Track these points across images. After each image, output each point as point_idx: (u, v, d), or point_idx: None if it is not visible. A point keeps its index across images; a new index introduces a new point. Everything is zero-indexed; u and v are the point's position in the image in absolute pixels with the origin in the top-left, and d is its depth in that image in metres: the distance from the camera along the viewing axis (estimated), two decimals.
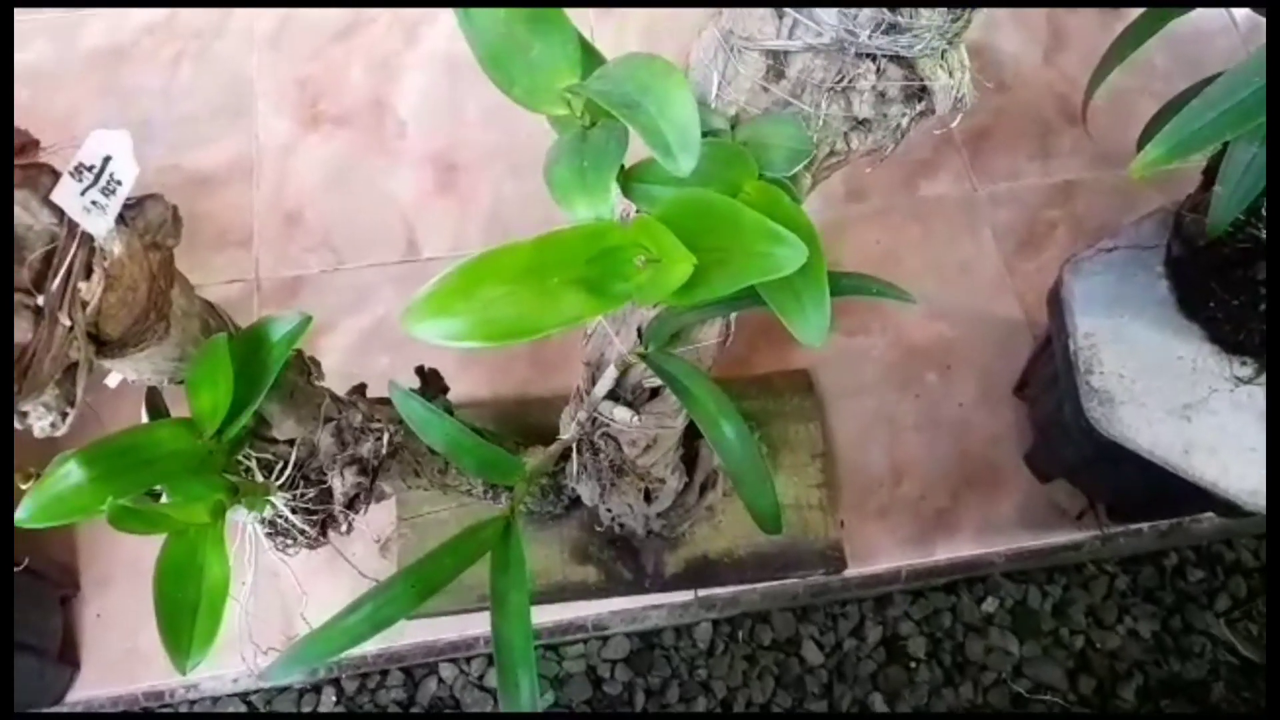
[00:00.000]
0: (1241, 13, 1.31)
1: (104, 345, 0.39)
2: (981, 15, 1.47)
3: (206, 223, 1.18)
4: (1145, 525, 1.06)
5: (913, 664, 1.05)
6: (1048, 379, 0.98)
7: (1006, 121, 1.26)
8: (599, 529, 0.93)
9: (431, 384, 0.77)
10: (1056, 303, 0.93)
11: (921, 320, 1.15)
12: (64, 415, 0.36)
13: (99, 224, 0.36)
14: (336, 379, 1.09)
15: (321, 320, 1.13)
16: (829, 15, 0.44)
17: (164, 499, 0.48)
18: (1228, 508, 0.86)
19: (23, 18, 1.29)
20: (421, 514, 0.98)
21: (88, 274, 0.36)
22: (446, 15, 1.30)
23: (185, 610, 0.45)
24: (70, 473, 0.42)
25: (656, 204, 0.41)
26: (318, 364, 0.61)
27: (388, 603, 0.47)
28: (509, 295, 0.38)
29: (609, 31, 1.30)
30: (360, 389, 0.73)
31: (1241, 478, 0.84)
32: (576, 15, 1.32)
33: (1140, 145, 0.80)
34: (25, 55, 1.27)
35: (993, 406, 1.10)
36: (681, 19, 1.30)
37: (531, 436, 0.91)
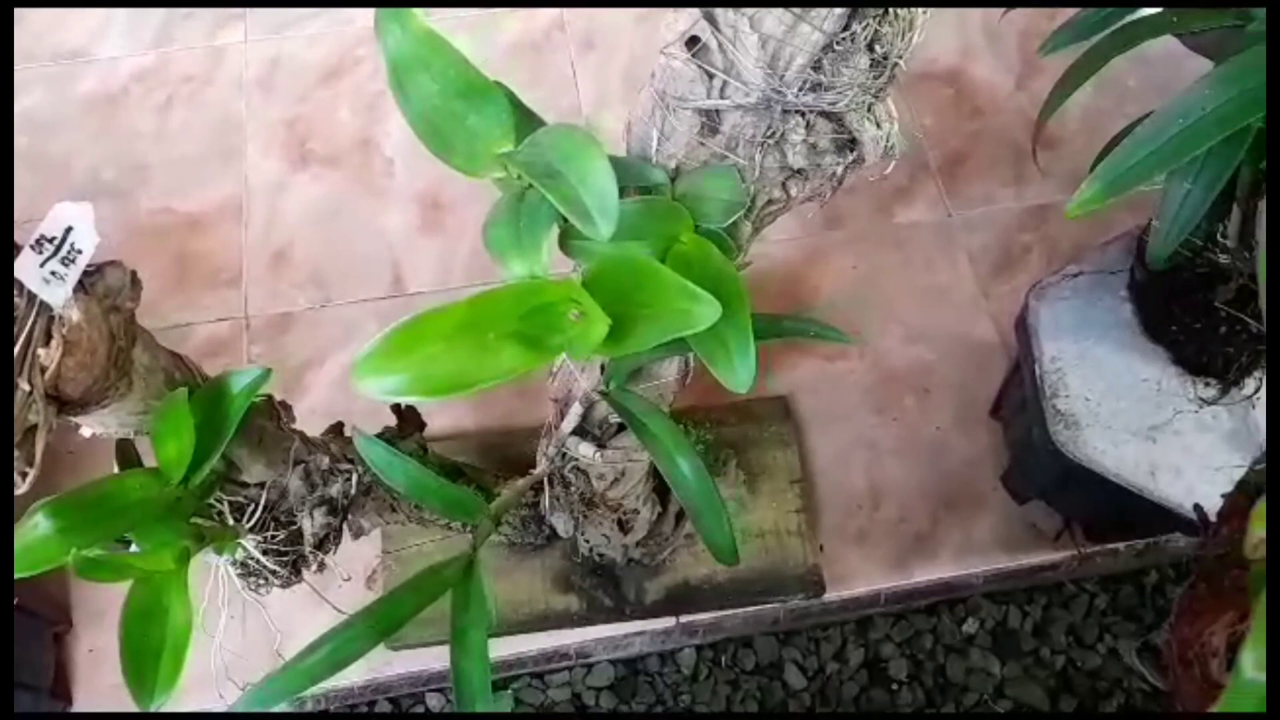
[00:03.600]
0: None
1: (65, 405, 0.41)
2: (955, 42, 1.50)
3: (197, 262, 1.21)
4: (1121, 545, 1.07)
5: (895, 686, 1.06)
6: (1018, 403, 1.00)
7: (981, 147, 1.28)
8: (578, 560, 0.94)
9: (408, 421, 0.80)
10: (1024, 328, 0.95)
11: (899, 345, 1.16)
12: (24, 475, 0.38)
13: (57, 294, 0.38)
14: (322, 415, 1.11)
15: (309, 356, 1.16)
16: (756, 76, 0.46)
17: (134, 546, 0.50)
18: (1191, 528, 0.87)
19: (19, 68, 1.33)
20: (406, 546, 0.99)
21: (47, 340, 0.38)
22: None
23: (149, 653, 0.47)
24: (38, 524, 0.44)
25: (591, 259, 0.44)
26: (288, 408, 0.63)
27: (347, 642, 0.49)
28: (447, 351, 0.40)
29: (590, 70, 1.33)
30: (337, 428, 0.75)
31: (1206, 498, 0.85)
32: (559, 54, 1.34)
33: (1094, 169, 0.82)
34: (23, 102, 1.31)
35: (970, 429, 1.12)
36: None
37: (514, 468, 0.93)
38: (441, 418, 1.11)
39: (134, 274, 0.44)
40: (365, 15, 1.36)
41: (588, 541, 0.89)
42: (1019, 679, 1.06)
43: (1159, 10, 0.61)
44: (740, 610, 1.02)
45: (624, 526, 0.84)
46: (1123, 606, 1.10)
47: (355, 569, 1.04)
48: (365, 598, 1.02)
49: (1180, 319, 0.89)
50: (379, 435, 0.77)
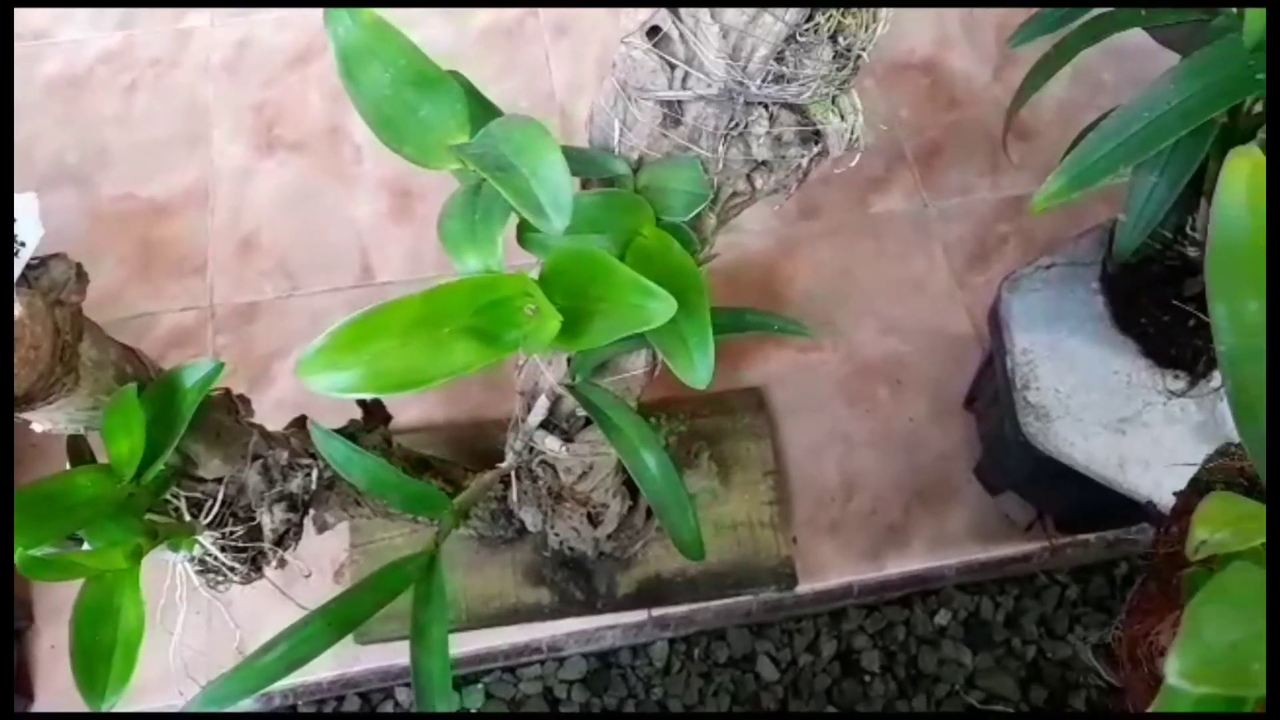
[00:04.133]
0: None
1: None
2: (932, 33, 1.49)
3: (162, 250, 1.19)
4: (1092, 536, 1.08)
5: (867, 677, 1.06)
6: (991, 395, 1.00)
7: (957, 138, 1.28)
8: (549, 553, 0.94)
9: (374, 415, 0.78)
10: (996, 319, 0.95)
11: (874, 336, 1.16)
12: None
13: None
14: (290, 406, 1.09)
15: (276, 346, 1.15)
16: (717, 67, 0.45)
17: (86, 544, 0.49)
18: (1161, 520, 0.88)
19: None
20: (375, 540, 0.98)
21: None
22: None
23: (101, 652, 0.46)
24: None
25: (548, 253, 0.43)
26: (246, 401, 0.62)
27: (303, 641, 0.48)
28: (399, 347, 0.39)
29: (564, 56, 1.31)
30: (300, 422, 0.74)
31: (1173, 491, 0.86)
32: (533, 41, 1.32)
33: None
34: None
35: (943, 420, 1.12)
36: None
37: (484, 460, 0.92)
38: (410, 410, 1.09)
39: (79, 267, 0.43)
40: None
41: (558, 535, 0.88)
42: (990, 670, 1.06)
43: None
44: (713, 603, 1.02)
45: (594, 520, 0.83)
46: (1093, 597, 1.11)
47: (322, 563, 1.03)
48: (333, 591, 1.01)
49: (1150, 311, 0.89)
50: (343, 429, 0.76)
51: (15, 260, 0.38)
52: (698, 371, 0.42)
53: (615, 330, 0.38)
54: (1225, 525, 0.27)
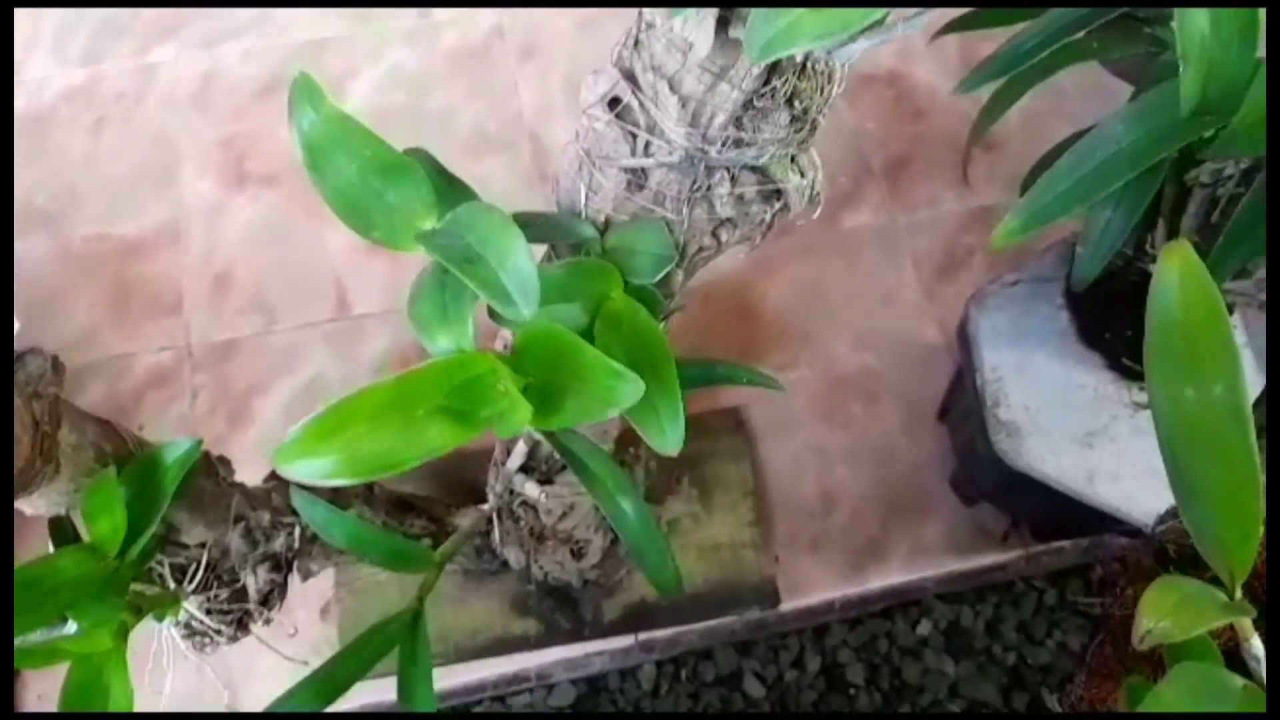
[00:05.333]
0: None
1: None
2: (895, 44, 1.52)
3: (136, 290, 1.19)
4: (1067, 542, 1.10)
5: (852, 691, 1.08)
6: (963, 411, 1.02)
7: (923, 150, 1.29)
8: (534, 584, 0.95)
9: None
10: (964, 338, 0.96)
11: (847, 351, 1.18)
12: None
13: None
14: (270, 442, 1.10)
15: (255, 382, 1.15)
16: (678, 135, 0.46)
17: (70, 622, 0.49)
18: (1133, 531, 0.90)
19: None
20: (360, 577, 0.99)
21: None
22: (369, 71, 1.32)
23: None
24: None
25: (518, 328, 0.44)
26: (226, 462, 0.62)
27: (292, 711, 0.49)
28: (373, 431, 0.40)
29: (531, 78, 1.32)
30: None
31: (1143, 502, 0.88)
32: (500, 63, 1.32)
33: (1023, 191, 0.84)
34: None
35: (918, 433, 1.14)
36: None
37: (467, 492, 0.93)
38: None
39: (55, 358, 0.43)
40: (299, 29, 1.34)
41: (542, 569, 0.89)
42: (972, 678, 1.08)
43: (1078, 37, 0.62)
44: (698, 625, 1.03)
45: (577, 555, 0.84)
46: (1070, 601, 1.13)
47: (309, 600, 1.03)
48: (320, 630, 1.02)
49: (1113, 326, 0.91)
50: None
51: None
52: (668, 439, 0.43)
53: (587, 412, 0.39)
54: (1168, 614, 0.29)
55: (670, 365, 0.43)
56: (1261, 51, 0.38)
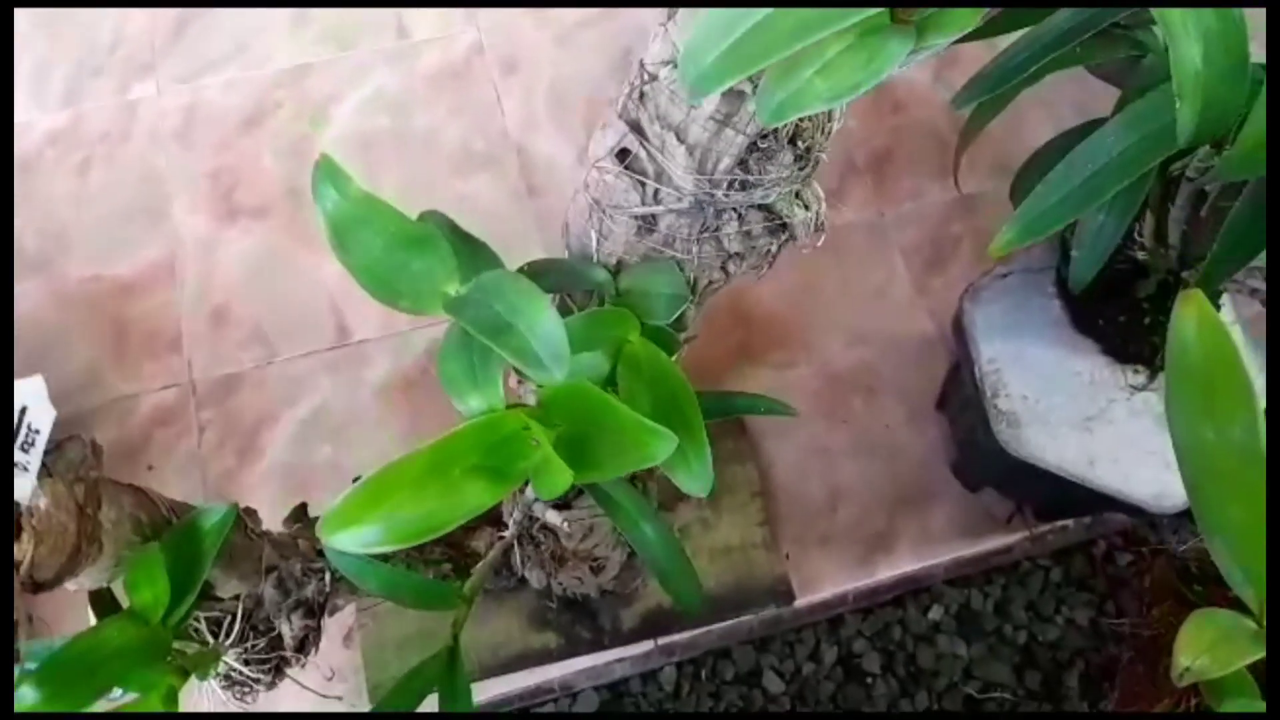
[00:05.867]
0: None
1: (40, 586, 0.41)
2: None
3: (135, 329, 1.19)
4: (1070, 521, 1.12)
5: (869, 679, 1.10)
6: (962, 402, 1.04)
7: (905, 142, 1.31)
8: (551, 604, 0.96)
9: None
10: (960, 331, 0.98)
11: (843, 348, 1.19)
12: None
13: (23, 486, 0.39)
14: (281, 474, 1.12)
15: (261, 415, 1.15)
16: (686, 181, 0.48)
17: (116, 690, 0.50)
18: (1135, 510, 0.92)
19: None
20: (380, 602, 1.00)
21: (16, 534, 0.38)
22: (353, 95, 1.32)
23: None
24: (25, 695, 0.44)
25: (547, 384, 0.45)
26: (253, 513, 0.63)
27: None
28: (414, 497, 0.41)
29: (515, 93, 1.32)
30: (301, 511, 0.75)
31: (1143, 483, 0.90)
32: (482, 80, 1.33)
33: (1012, 193, 0.85)
34: None
35: (918, 424, 1.16)
36: (586, 79, 1.33)
37: (483, 514, 0.94)
38: None
39: (94, 442, 0.44)
40: (279, 57, 1.34)
41: (561, 584, 0.91)
42: (985, 659, 1.11)
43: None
44: (716, 626, 1.05)
45: (596, 570, 0.86)
46: (1075, 577, 1.15)
47: (331, 628, 1.04)
48: (344, 656, 1.03)
49: (1106, 312, 0.93)
50: None
51: (33, 451, 0.39)
52: (698, 481, 0.45)
53: (622, 466, 0.40)
54: (1204, 651, 0.30)
55: (695, 409, 0.44)
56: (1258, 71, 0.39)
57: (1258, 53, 0.42)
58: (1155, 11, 0.37)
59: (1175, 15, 0.37)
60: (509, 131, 1.31)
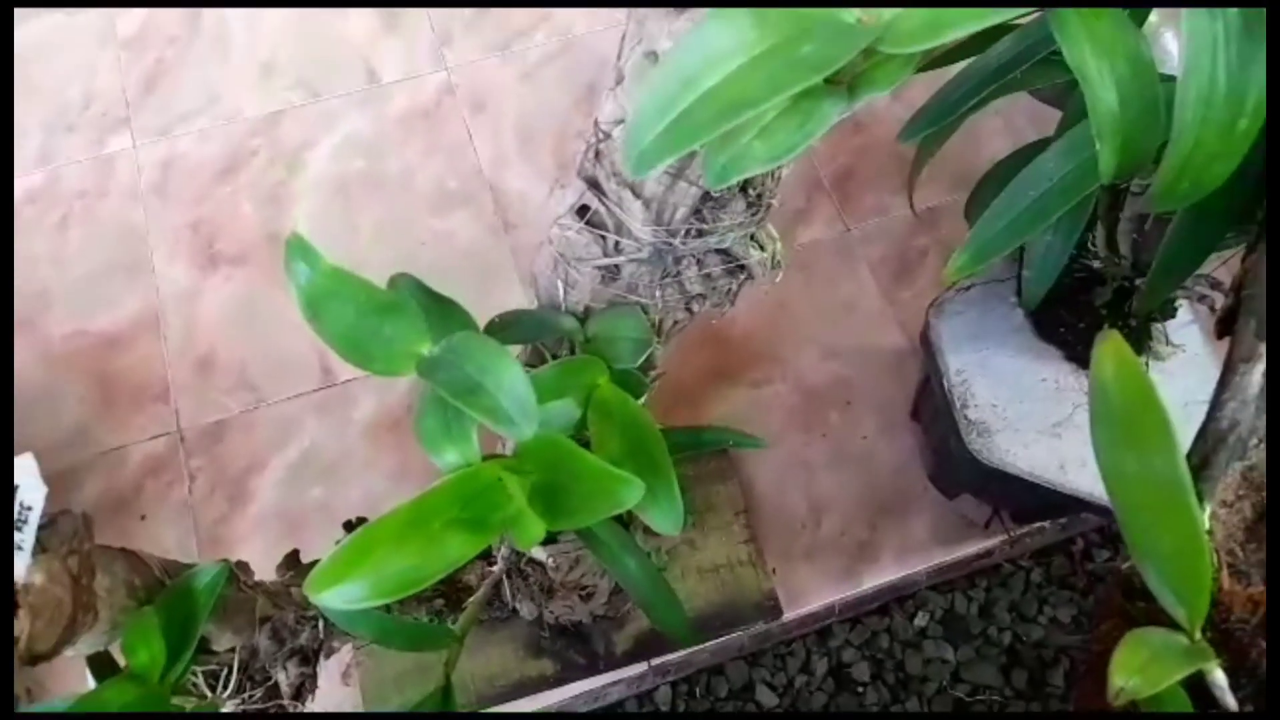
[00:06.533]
0: None
1: (38, 658, 0.43)
2: None
3: (121, 382, 1.20)
4: (1047, 523, 1.15)
5: (860, 688, 1.12)
6: (933, 412, 1.06)
7: (867, 160, 1.34)
8: (544, 632, 0.98)
9: None
10: (927, 344, 1.01)
11: (817, 362, 1.22)
12: None
13: (18, 565, 0.40)
14: (273, 517, 1.13)
15: (250, 460, 1.17)
16: (645, 233, 0.50)
17: None
18: (1106, 511, 0.95)
19: None
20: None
21: (14, 612, 0.40)
22: (325, 140, 1.34)
23: None
24: None
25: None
26: (245, 566, 0.65)
27: None
28: (396, 552, 0.43)
29: (484, 131, 1.35)
30: (293, 558, 0.77)
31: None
32: (452, 119, 1.36)
33: (967, 211, 0.88)
34: None
35: (894, 434, 1.18)
36: (552, 113, 1.36)
37: None
38: (391, 501, 1.13)
39: (85, 515, 0.46)
40: (253, 106, 1.36)
41: (553, 613, 0.93)
42: (972, 661, 1.13)
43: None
44: (707, 644, 1.07)
45: (586, 598, 0.88)
46: (1056, 576, 1.18)
47: (329, 665, 1.06)
48: (344, 693, 1.05)
49: (1067, 320, 0.96)
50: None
51: (27, 529, 0.41)
52: (669, 520, 0.47)
53: (594, 512, 0.43)
54: (1136, 672, 0.33)
55: (663, 451, 0.46)
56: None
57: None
58: (1070, 62, 0.40)
59: (1090, 64, 0.39)
60: (482, 169, 1.33)
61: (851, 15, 0.34)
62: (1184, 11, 0.35)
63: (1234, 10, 0.36)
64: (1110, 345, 0.34)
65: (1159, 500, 0.33)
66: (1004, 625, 1.15)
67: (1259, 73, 0.37)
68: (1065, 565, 1.18)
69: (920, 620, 1.15)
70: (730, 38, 0.31)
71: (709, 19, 0.32)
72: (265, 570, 0.75)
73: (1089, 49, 0.38)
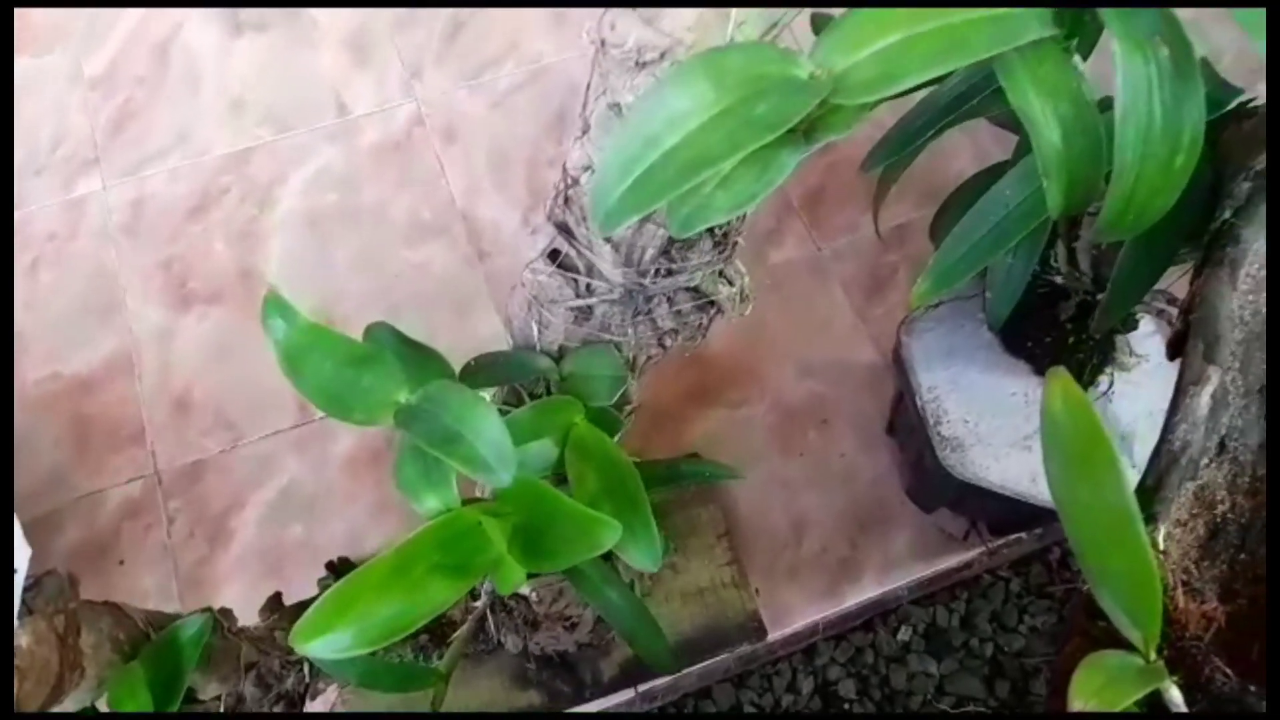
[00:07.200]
0: None
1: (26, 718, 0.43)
2: None
3: (96, 424, 1.20)
4: (1024, 533, 1.17)
5: (847, 705, 1.13)
6: (908, 429, 1.08)
7: (836, 180, 1.36)
8: (530, 663, 0.98)
9: (345, 574, 0.82)
10: (899, 362, 1.03)
11: (793, 381, 1.24)
12: None
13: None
14: (255, 557, 1.13)
15: (229, 500, 1.17)
16: (616, 275, 0.51)
17: None
18: None
19: None
20: None
21: None
22: (297, 175, 1.35)
23: None
24: None
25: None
26: (229, 613, 0.65)
27: None
28: (380, 600, 0.44)
29: (456, 161, 1.36)
30: (275, 601, 0.77)
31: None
32: (423, 150, 1.37)
33: (932, 233, 0.90)
34: None
35: (871, 450, 1.20)
36: (523, 141, 1.37)
37: None
38: (373, 538, 1.13)
39: (70, 574, 0.46)
40: (222, 143, 1.37)
41: (538, 644, 0.93)
42: (955, 674, 1.14)
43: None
44: (693, 668, 1.08)
45: (570, 629, 0.88)
46: (1034, 585, 1.20)
47: (318, 703, 1.06)
48: None
49: (1034, 335, 0.98)
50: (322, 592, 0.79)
51: (13, 590, 0.41)
52: (648, 556, 0.48)
53: (574, 554, 0.43)
54: (1094, 695, 0.34)
55: (640, 489, 0.47)
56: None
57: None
58: (1014, 105, 0.41)
59: (1034, 106, 0.41)
60: (454, 198, 1.34)
61: (804, 71, 0.36)
62: (1117, 56, 0.37)
63: (1165, 52, 0.38)
64: (1058, 383, 0.36)
65: (1110, 529, 0.35)
66: (985, 636, 1.17)
67: (1192, 110, 0.38)
68: (1043, 574, 1.20)
69: (903, 635, 1.16)
70: (689, 98, 0.32)
71: (668, 79, 0.33)
72: (247, 612, 0.74)
73: (1032, 91, 0.40)
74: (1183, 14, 0.44)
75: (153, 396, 1.21)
